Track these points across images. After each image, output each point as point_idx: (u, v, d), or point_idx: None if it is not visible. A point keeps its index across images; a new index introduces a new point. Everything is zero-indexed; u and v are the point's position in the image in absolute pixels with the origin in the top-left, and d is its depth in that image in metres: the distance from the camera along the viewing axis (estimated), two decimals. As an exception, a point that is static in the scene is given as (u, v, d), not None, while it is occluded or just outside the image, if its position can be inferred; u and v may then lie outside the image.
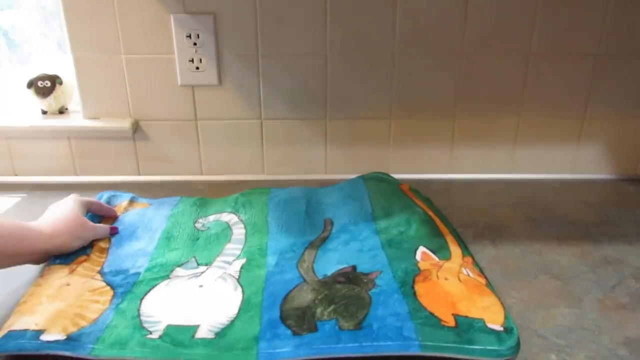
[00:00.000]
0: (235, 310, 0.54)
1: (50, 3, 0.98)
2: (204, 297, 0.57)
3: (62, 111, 0.95)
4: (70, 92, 0.95)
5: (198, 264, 0.64)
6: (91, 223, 0.68)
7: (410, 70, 0.89)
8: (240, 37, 0.87)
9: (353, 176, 0.87)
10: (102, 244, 0.68)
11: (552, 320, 0.56)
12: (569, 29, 0.87)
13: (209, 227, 0.73)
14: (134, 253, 0.67)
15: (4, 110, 0.97)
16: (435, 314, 0.51)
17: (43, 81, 0.92)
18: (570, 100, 0.92)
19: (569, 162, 0.96)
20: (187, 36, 0.86)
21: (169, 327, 0.51)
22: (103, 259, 0.65)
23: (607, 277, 0.64)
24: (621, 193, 0.91)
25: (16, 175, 0.95)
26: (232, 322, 0.52)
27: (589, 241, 0.72)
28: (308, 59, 0.88)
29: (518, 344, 0.49)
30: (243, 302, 0.55)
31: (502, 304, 0.54)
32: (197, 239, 0.70)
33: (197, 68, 0.88)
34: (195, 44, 0.86)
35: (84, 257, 0.64)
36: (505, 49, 0.88)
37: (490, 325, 0.50)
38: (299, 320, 0.51)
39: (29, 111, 0.95)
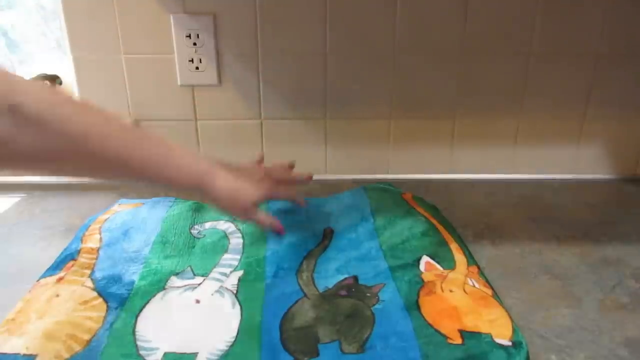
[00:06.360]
0: (234, 333, 0.52)
1: (49, 3, 0.98)
2: (201, 316, 0.55)
3: (61, 111, 0.95)
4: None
5: (194, 274, 0.62)
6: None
7: (410, 70, 0.89)
8: (240, 37, 0.87)
9: (353, 176, 0.87)
10: (92, 244, 0.66)
11: (552, 320, 0.55)
12: (569, 29, 0.87)
13: (204, 235, 0.71)
14: (127, 256, 0.65)
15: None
16: (441, 331, 0.50)
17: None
18: (570, 100, 0.92)
19: (569, 162, 0.96)
20: (187, 36, 0.86)
21: (166, 355, 0.49)
22: (93, 261, 0.63)
23: (607, 277, 0.64)
24: (621, 193, 0.91)
25: (16, 175, 0.95)
26: (231, 347, 0.50)
27: (589, 241, 0.72)
28: (308, 58, 0.88)
29: (528, 359, 0.48)
30: (242, 322, 0.53)
31: (509, 315, 0.53)
32: (193, 246, 0.68)
33: (197, 68, 0.88)
34: (195, 44, 0.86)
35: (71, 263, 0.63)
36: (505, 49, 0.88)
37: (498, 341, 0.49)
38: (300, 344, 0.50)
39: (28, 111, 0.95)
